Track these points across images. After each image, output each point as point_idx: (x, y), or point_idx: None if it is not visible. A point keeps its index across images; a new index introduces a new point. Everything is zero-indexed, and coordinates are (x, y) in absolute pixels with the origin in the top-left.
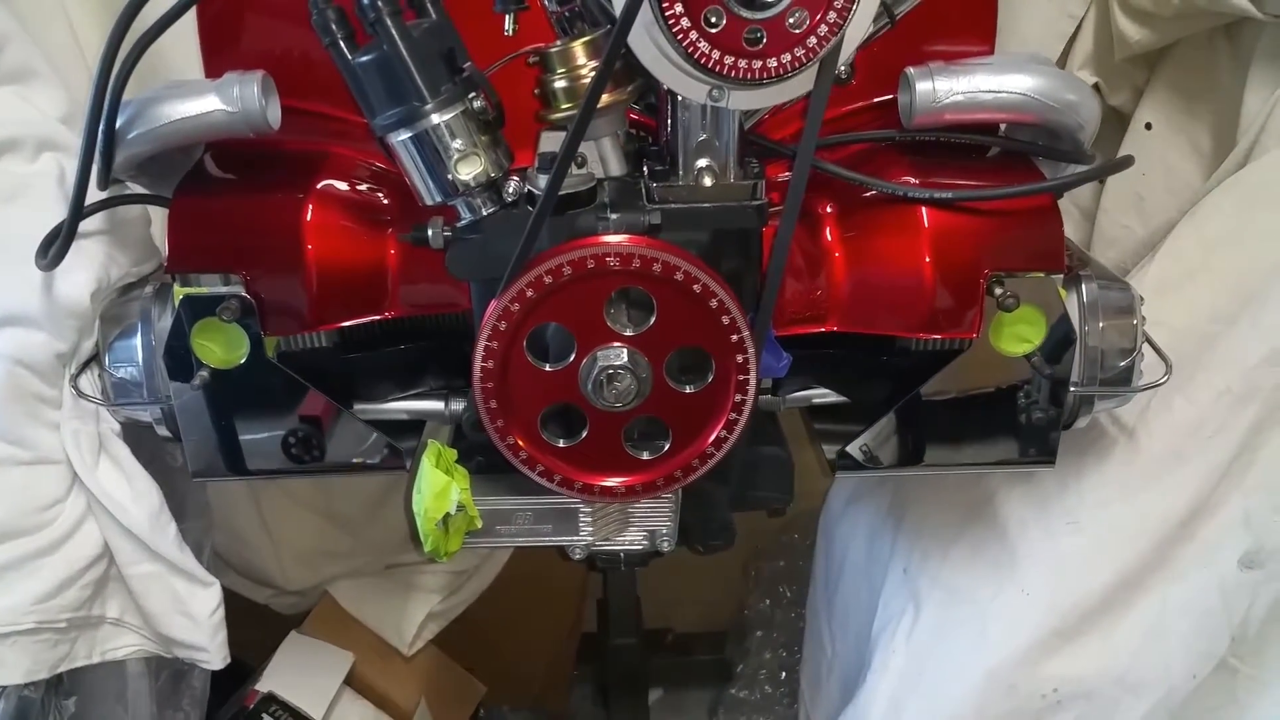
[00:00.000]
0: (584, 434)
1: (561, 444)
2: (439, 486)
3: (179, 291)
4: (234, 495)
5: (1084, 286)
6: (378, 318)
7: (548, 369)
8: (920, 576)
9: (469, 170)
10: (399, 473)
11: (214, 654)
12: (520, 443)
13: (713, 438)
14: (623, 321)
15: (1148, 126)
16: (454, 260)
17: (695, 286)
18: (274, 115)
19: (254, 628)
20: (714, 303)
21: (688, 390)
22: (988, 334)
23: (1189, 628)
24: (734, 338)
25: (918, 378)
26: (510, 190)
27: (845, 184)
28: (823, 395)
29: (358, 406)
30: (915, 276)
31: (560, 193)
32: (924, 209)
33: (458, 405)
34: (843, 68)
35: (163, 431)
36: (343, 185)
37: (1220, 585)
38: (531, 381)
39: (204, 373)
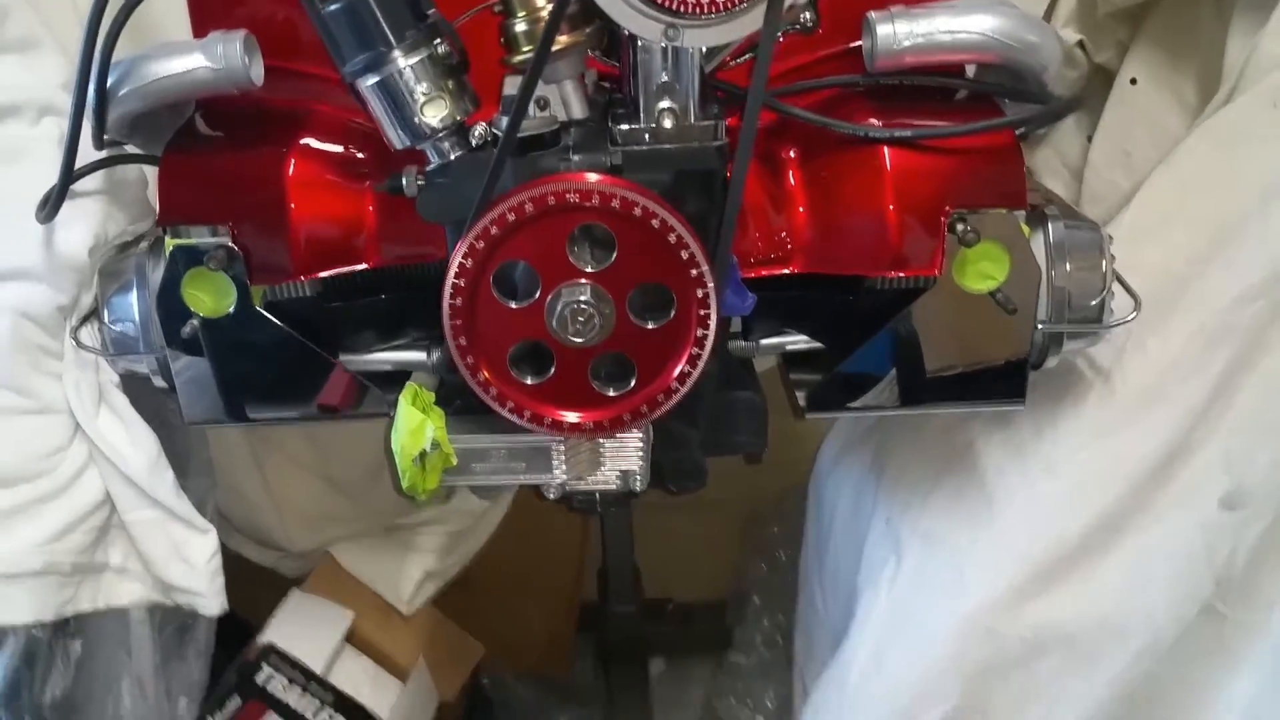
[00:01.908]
0: (551, 371)
1: (530, 381)
2: (414, 424)
3: (169, 243)
4: (238, 458)
5: (1050, 225)
6: (358, 268)
7: (514, 306)
8: (901, 526)
9: (435, 113)
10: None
11: (211, 598)
12: (490, 379)
13: (676, 372)
14: (586, 259)
15: (1133, 82)
16: (424, 203)
17: (654, 221)
18: (256, 72)
19: (261, 589)
20: (672, 237)
21: (650, 326)
22: (952, 274)
23: (1171, 571)
24: (693, 272)
25: (884, 317)
26: (477, 134)
27: (808, 129)
28: (796, 342)
29: (343, 357)
30: (877, 215)
31: (523, 134)
32: (885, 149)
33: (439, 354)
34: (808, 15)
35: (158, 382)
36: (323, 141)
37: (1201, 527)
38: (499, 318)
39: (194, 320)
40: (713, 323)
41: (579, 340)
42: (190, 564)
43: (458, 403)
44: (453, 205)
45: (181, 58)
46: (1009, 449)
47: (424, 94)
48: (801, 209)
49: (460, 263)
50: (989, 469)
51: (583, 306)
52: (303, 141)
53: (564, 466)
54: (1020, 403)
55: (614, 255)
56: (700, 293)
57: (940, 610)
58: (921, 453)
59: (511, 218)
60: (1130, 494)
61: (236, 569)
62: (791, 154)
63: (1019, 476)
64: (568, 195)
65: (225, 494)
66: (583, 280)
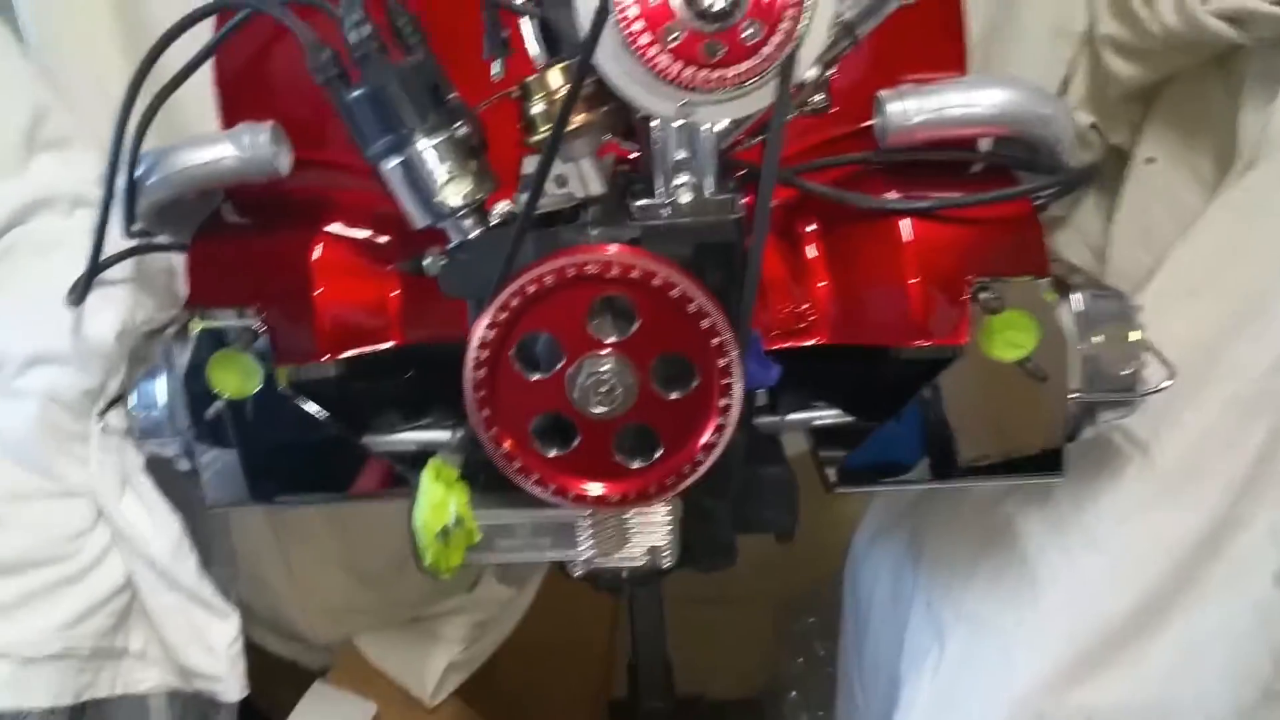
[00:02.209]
0: (575, 443)
1: (554, 454)
2: (437, 499)
3: (196, 325)
4: (262, 548)
5: (1076, 295)
6: (382, 347)
7: (536, 378)
8: (943, 609)
9: (456, 192)
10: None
11: (231, 684)
12: (513, 451)
13: (701, 443)
14: (608, 330)
15: (1149, 161)
16: (446, 280)
17: (674, 291)
18: (284, 161)
19: (281, 683)
20: (693, 307)
21: (673, 396)
22: (980, 344)
23: (1224, 652)
24: (714, 341)
25: (913, 388)
26: (497, 212)
27: (827, 204)
28: (823, 416)
29: (368, 438)
30: (899, 286)
31: (544, 210)
32: (904, 221)
33: (462, 432)
34: (820, 96)
35: (183, 465)
36: (348, 226)
37: (1254, 605)
38: (521, 390)
39: (220, 403)
40: (736, 391)
41: (601, 411)
42: (211, 649)
43: (481, 479)
44: (474, 281)
45: (210, 148)
46: (1049, 524)
47: (446, 174)
48: (823, 281)
49: (483, 335)
50: (1030, 546)
51: (605, 377)
52: (327, 228)
53: (590, 542)
54: (1059, 474)
55: (635, 326)
56: (722, 362)
57: (987, 696)
58: (960, 532)
59: (532, 290)
60: (1176, 571)
61: (257, 661)
62: (811, 228)
63: (1060, 553)
64: (587, 267)
65: (248, 584)
66: (604, 351)
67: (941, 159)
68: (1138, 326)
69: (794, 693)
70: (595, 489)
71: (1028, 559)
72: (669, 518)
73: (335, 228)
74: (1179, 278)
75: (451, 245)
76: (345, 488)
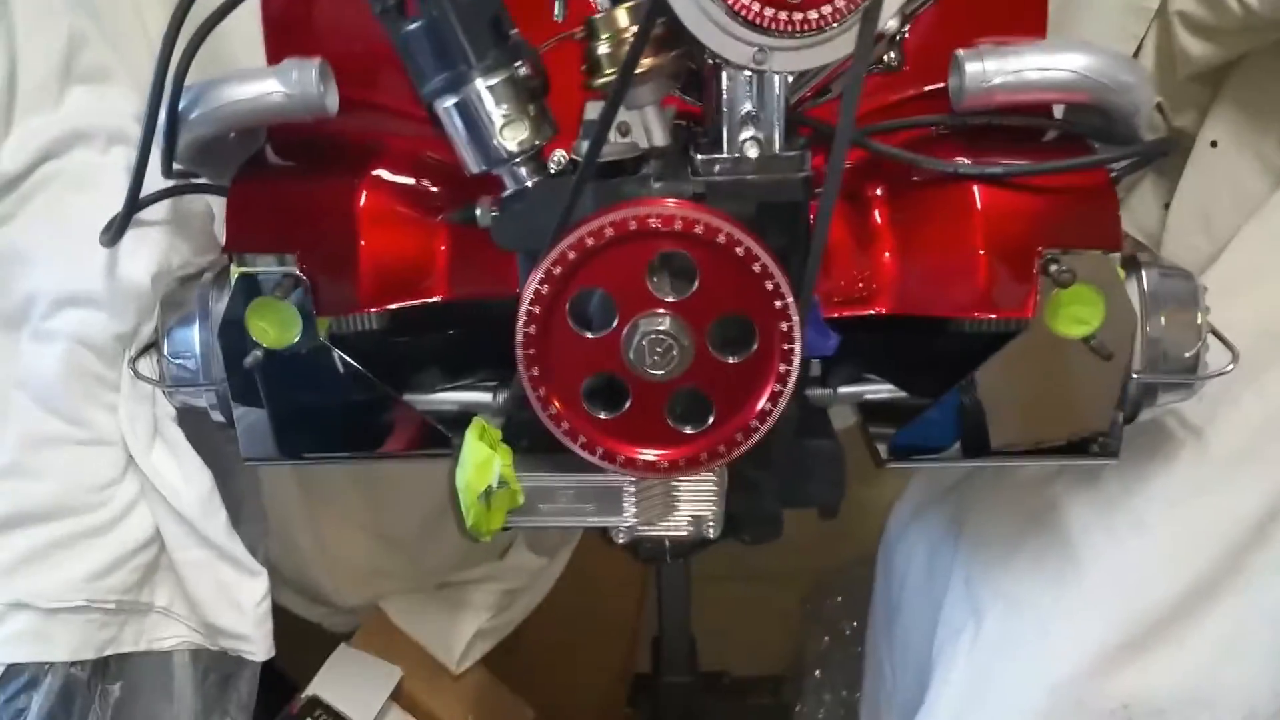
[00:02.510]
0: (626, 406)
1: (604, 416)
2: (481, 458)
3: (235, 270)
4: (292, 510)
5: (1144, 273)
6: (427, 300)
7: (590, 336)
8: (982, 587)
9: (514, 136)
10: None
11: (259, 644)
12: (562, 412)
13: (757, 409)
14: (665, 289)
15: (1213, 144)
16: (499, 230)
17: (738, 249)
18: (331, 100)
19: (306, 647)
20: (757, 267)
21: (731, 360)
22: (1045, 318)
23: (1270, 641)
24: (778, 304)
25: (972, 363)
26: (555, 160)
27: (895, 167)
28: (875, 390)
29: (407, 396)
30: (968, 255)
31: (604, 159)
32: (975, 187)
33: (506, 395)
34: (892, 54)
35: (216, 416)
36: (395, 173)
37: None
38: (574, 349)
39: (258, 352)
40: (796, 357)
41: (657, 373)
42: (239, 607)
43: (524, 443)
44: (529, 233)
45: (256, 83)
46: (1096, 507)
47: (503, 116)
48: (888, 249)
49: (536, 289)
50: (1074, 527)
51: (661, 337)
52: (375, 173)
53: (635, 509)
54: (1114, 457)
55: (695, 285)
56: (785, 326)
57: (1024, 678)
58: (1003, 510)
59: (590, 243)
60: (1226, 556)
61: (281, 624)
62: (878, 192)
63: (1106, 535)
64: (650, 220)
65: (276, 545)
66: (662, 310)
67: (1016, 125)
68: (1203, 308)
69: (818, 671)
70: (646, 454)
71: (1071, 540)
72: (716, 487)
73: (382, 173)
74: (1244, 263)
75: (506, 194)
76: (378, 447)
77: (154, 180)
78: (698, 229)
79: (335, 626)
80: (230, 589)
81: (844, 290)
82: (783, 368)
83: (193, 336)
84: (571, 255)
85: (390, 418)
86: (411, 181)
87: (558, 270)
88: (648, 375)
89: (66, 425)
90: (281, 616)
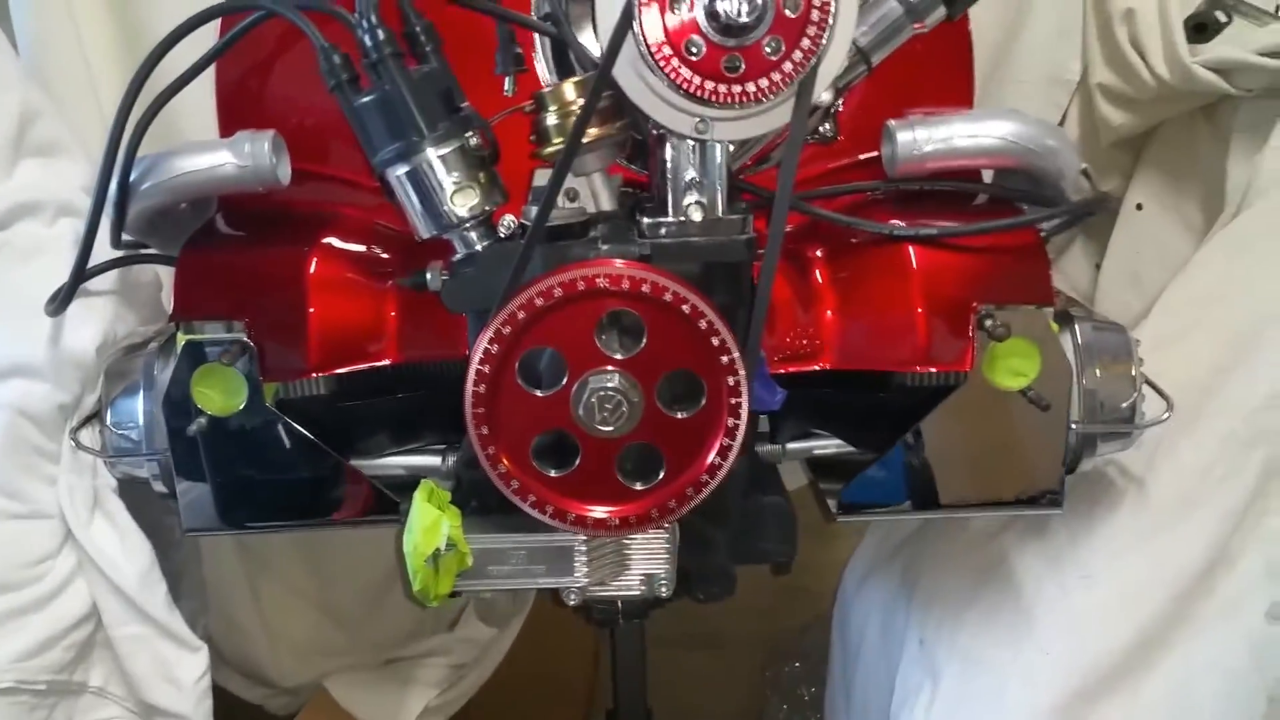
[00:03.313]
0: (576, 463)
1: (553, 474)
2: (429, 521)
3: (181, 338)
4: (232, 584)
5: (1077, 326)
6: (376, 364)
7: (539, 395)
8: (937, 647)
9: (464, 202)
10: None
11: None
12: (511, 470)
13: (706, 463)
14: (614, 347)
15: (1138, 207)
16: (450, 293)
17: (685, 306)
18: (284, 171)
19: None
20: (704, 323)
21: (679, 416)
22: (983, 371)
23: (1217, 689)
24: (724, 359)
25: (915, 417)
26: (505, 225)
27: (834, 230)
28: (823, 446)
29: (354, 462)
30: (906, 312)
31: (553, 224)
32: (911, 247)
33: (455, 458)
34: (827, 126)
35: (159, 487)
36: (347, 240)
37: (1248, 640)
38: (523, 407)
39: (202, 420)
40: (744, 412)
41: (607, 430)
42: (177, 684)
43: (474, 504)
44: (478, 295)
45: (209, 154)
46: (1045, 559)
47: (454, 183)
48: (829, 307)
49: (485, 349)
50: (1026, 581)
51: (611, 393)
52: (326, 240)
53: (586, 569)
54: (1058, 508)
55: (643, 342)
56: (731, 380)
57: None
58: (954, 567)
59: (540, 302)
60: (1172, 604)
61: (223, 706)
62: (818, 254)
63: (1057, 588)
64: (598, 280)
65: (216, 621)
66: (611, 368)
67: (947, 190)
68: (1136, 360)
69: None
70: (596, 511)
71: (1023, 594)
72: (668, 544)
73: (333, 240)
74: (1172, 318)
75: (456, 258)
76: (324, 514)
77: (103, 250)
78: (644, 288)
79: (278, 709)
80: (169, 665)
81: (788, 347)
82: (731, 421)
83: (136, 406)
84: (521, 315)
85: (337, 485)
86: (362, 248)
87: (507, 330)
88: (597, 432)
89: (4, 499)
90: (222, 698)
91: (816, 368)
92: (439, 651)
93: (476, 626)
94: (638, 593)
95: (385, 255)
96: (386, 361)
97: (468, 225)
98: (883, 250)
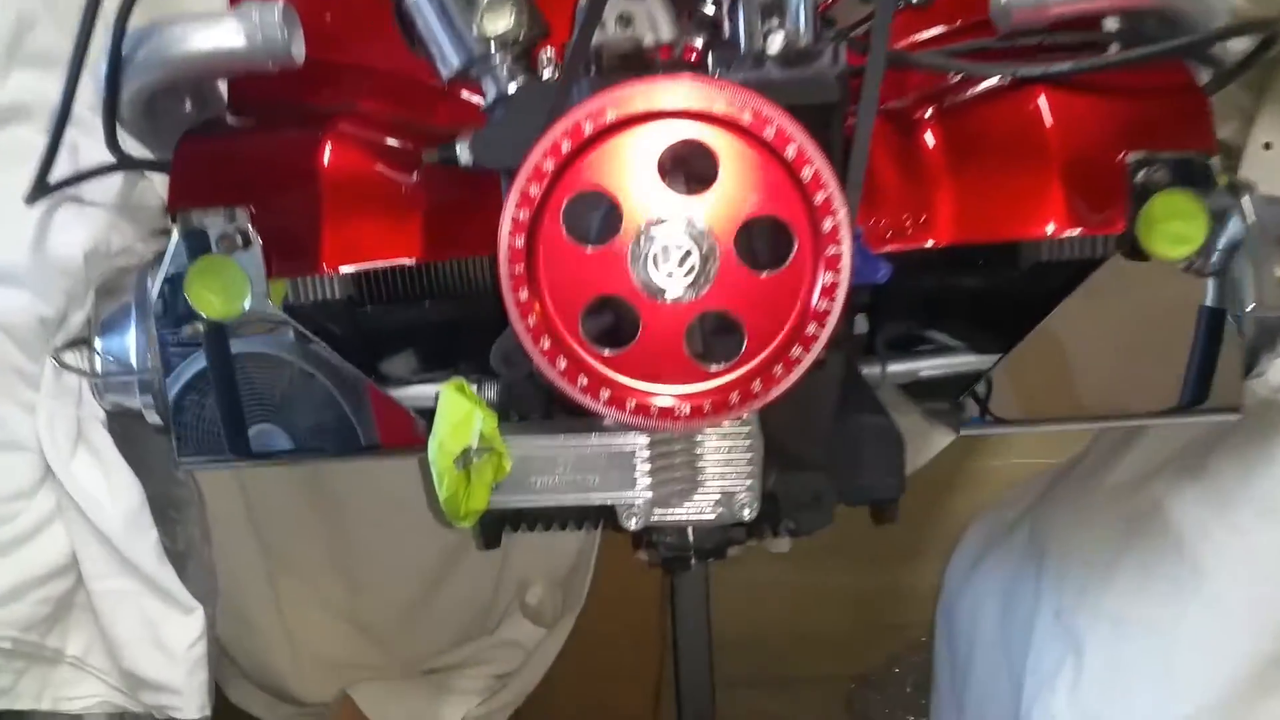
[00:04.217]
0: (636, 337)
1: (609, 353)
2: (459, 416)
3: (177, 232)
4: (249, 577)
5: (1250, 194)
6: (398, 260)
7: (589, 250)
8: (1078, 615)
9: (497, 23)
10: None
11: (190, 698)
12: (557, 347)
13: (801, 333)
14: (680, 189)
15: (1266, 146)
16: (479, 145)
17: (766, 131)
18: (297, 47)
19: None
20: (790, 151)
21: (763, 275)
22: (1140, 238)
23: None
24: (819, 197)
25: (1048, 303)
26: (546, 60)
27: (943, 88)
28: (931, 366)
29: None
30: (1040, 168)
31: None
32: (1042, 95)
33: (491, 393)
34: None
35: (152, 418)
36: (365, 127)
37: None
38: (570, 265)
39: (198, 324)
40: (845, 264)
41: (672, 293)
42: (167, 651)
43: (512, 414)
44: (514, 145)
45: (212, 26)
46: (1210, 503)
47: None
48: (942, 173)
49: (523, 191)
50: (1186, 528)
51: (677, 247)
52: (342, 124)
53: (650, 479)
54: (1236, 413)
55: (718, 181)
56: (828, 224)
57: (1145, 716)
58: (1095, 524)
59: (589, 128)
60: None
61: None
62: (927, 114)
63: (1228, 530)
64: (659, 98)
65: (228, 621)
66: (677, 214)
67: (1071, 42)
68: None
69: None
70: (662, 397)
71: (1184, 542)
72: (751, 452)
73: (350, 123)
74: None
75: (489, 102)
76: (341, 443)
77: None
78: (717, 106)
79: None
80: (157, 627)
81: (892, 225)
82: (828, 278)
83: (128, 326)
84: (566, 146)
85: (355, 407)
86: (383, 137)
87: (549, 165)
88: (661, 297)
89: None
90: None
91: (928, 243)
92: (478, 659)
93: (521, 626)
94: (714, 517)
95: (408, 145)
96: (409, 259)
97: (501, 58)
98: (1006, 99)
